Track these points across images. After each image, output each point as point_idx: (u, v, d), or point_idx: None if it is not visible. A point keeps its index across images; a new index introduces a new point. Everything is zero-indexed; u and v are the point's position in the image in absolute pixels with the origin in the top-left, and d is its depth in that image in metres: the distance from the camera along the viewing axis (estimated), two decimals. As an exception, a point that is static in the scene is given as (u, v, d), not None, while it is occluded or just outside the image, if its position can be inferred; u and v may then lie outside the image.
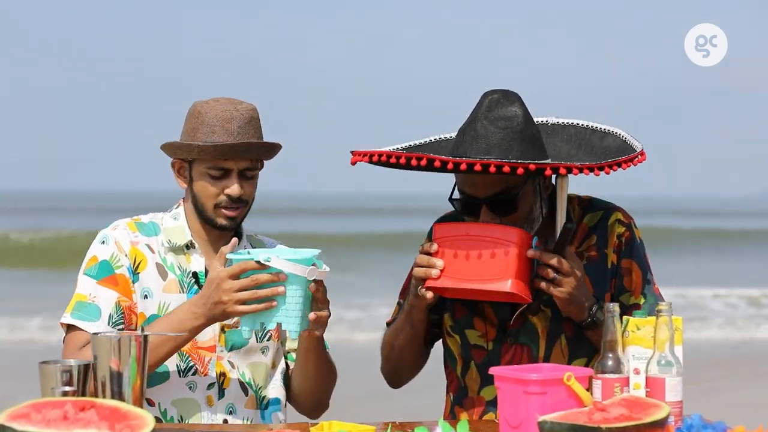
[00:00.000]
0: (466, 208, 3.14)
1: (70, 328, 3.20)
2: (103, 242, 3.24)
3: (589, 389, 2.71)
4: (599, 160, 3.06)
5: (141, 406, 2.75)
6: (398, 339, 3.29)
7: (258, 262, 2.94)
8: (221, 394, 3.26)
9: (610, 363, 2.74)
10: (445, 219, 3.40)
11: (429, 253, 3.04)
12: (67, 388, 2.68)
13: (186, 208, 3.33)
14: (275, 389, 3.36)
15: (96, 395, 2.74)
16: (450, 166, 2.93)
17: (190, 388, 3.23)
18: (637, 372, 2.81)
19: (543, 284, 3.01)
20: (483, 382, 3.23)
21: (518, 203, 3.10)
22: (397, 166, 3.05)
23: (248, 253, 2.99)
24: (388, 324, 3.40)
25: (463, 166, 2.92)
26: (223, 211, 3.23)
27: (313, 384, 3.35)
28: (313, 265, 2.97)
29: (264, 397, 3.33)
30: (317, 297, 3.01)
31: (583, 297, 3.05)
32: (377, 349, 3.42)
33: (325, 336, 3.24)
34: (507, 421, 2.69)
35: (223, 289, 2.97)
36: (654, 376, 2.74)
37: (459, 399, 3.29)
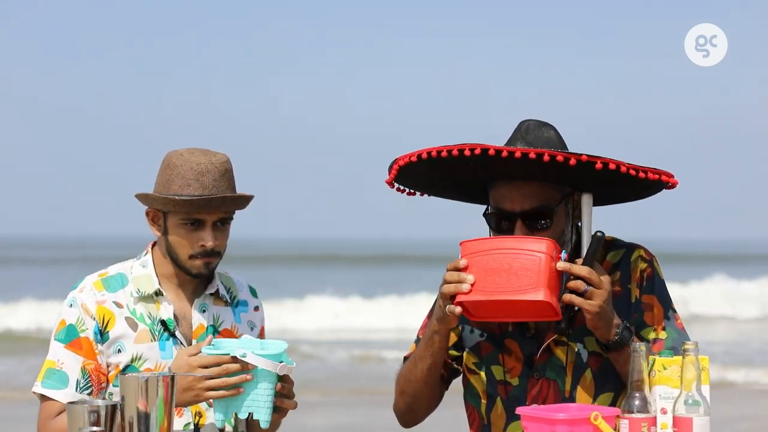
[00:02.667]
0: (501, 223, 3.18)
1: (42, 397, 3.31)
2: (71, 305, 3.34)
3: (616, 429, 2.71)
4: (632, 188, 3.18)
5: (168, 447, 2.75)
6: (416, 369, 3.29)
7: (234, 357, 3.06)
8: None
9: (637, 402, 2.74)
10: None
11: (458, 270, 3.04)
12: (95, 429, 2.68)
13: (156, 254, 3.41)
14: (243, 423, 3.40)
15: (124, 436, 2.75)
16: (504, 154, 2.99)
17: None
18: (664, 412, 2.80)
19: (574, 298, 3.00)
20: (509, 419, 3.22)
21: (552, 220, 3.15)
22: (441, 176, 3.17)
23: (243, 355, 3.07)
24: (406, 358, 3.40)
25: (517, 154, 2.98)
26: (198, 261, 3.31)
27: None
28: (281, 362, 3.09)
29: (239, 431, 3.38)
30: (284, 393, 3.13)
31: (612, 312, 3.05)
32: None
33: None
34: (535, 461, 2.68)
35: (194, 377, 3.08)
36: (681, 416, 2.74)
37: (483, 438, 3.29)
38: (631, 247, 3.30)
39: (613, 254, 3.29)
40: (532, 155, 2.98)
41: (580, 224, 3.25)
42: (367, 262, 44.25)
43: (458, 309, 3.03)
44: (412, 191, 3.36)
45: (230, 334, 3.39)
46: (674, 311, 3.27)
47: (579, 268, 2.99)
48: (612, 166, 3.02)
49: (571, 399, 3.17)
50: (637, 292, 3.24)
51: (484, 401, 3.28)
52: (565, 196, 3.19)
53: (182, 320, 3.35)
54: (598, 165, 3.01)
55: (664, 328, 3.22)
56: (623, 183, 3.13)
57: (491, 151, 3.00)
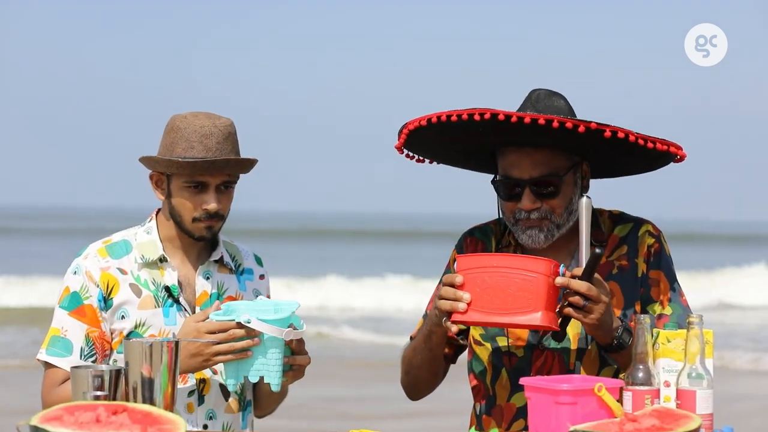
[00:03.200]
0: (509, 190, 3.18)
1: (47, 364, 3.31)
2: (75, 272, 3.33)
3: (619, 400, 2.71)
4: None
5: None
6: (416, 358, 3.31)
7: (238, 323, 3.06)
8: (201, 400, 3.34)
9: (640, 375, 2.74)
10: (473, 233, 3.41)
11: (453, 285, 3.00)
12: (99, 393, 2.68)
13: (160, 219, 3.41)
14: (249, 391, 3.46)
15: (127, 401, 2.74)
16: (514, 119, 2.99)
17: None
18: (667, 384, 2.80)
19: (573, 312, 2.97)
20: (513, 389, 3.24)
21: (561, 188, 3.16)
22: (450, 140, 3.17)
23: (248, 321, 3.07)
24: (412, 338, 3.40)
25: (527, 120, 2.99)
26: (201, 224, 3.30)
27: (268, 405, 3.52)
28: (291, 325, 3.09)
29: (246, 398, 3.43)
30: (295, 350, 3.12)
31: (610, 321, 3.03)
32: None
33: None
34: (537, 431, 2.69)
35: (202, 343, 3.08)
36: (685, 389, 2.73)
37: (487, 408, 3.30)
38: (639, 222, 3.32)
39: (621, 228, 3.30)
40: (541, 121, 2.99)
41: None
42: (365, 237, 44.06)
43: (455, 327, 3.01)
44: (420, 158, 3.37)
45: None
46: (679, 287, 3.29)
47: (578, 284, 2.94)
48: (621, 135, 3.02)
49: (576, 371, 3.18)
50: (644, 267, 3.25)
51: (489, 372, 3.29)
52: (573, 165, 3.19)
53: (186, 286, 3.35)
54: (607, 133, 3.01)
55: (669, 304, 3.23)
56: (632, 153, 3.13)
57: (501, 117, 3.01)
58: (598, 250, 2.93)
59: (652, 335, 2.82)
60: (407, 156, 3.34)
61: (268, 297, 3.53)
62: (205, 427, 3.32)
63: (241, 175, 3.35)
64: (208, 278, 3.37)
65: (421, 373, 3.34)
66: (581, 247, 3.05)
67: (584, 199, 3.07)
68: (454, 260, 3.41)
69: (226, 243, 3.49)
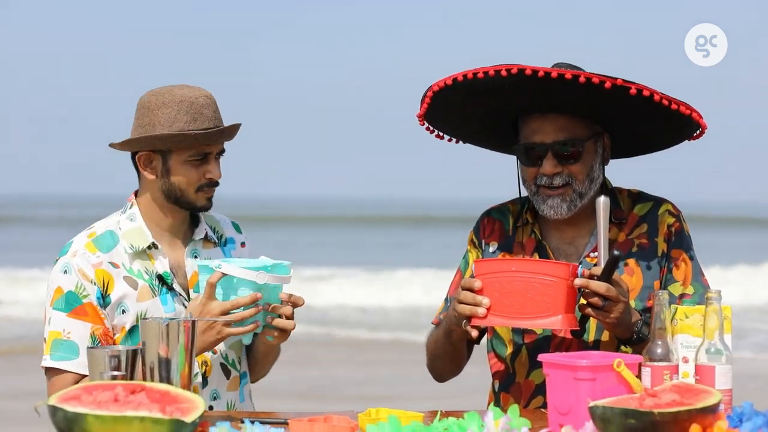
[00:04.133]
0: (532, 156, 3.18)
1: (52, 370, 3.20)
2: (66, 271, 3.21)
3: (638, 376, 2.69)
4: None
5: (189, 392, 2.75)
6: (438, 349, 3.31)
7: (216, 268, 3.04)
8: (205, 382, 3.31)
9: (659, 350, 2.73)
10: (490, 213, 3.40)
11: (472, 290, 2.98)
12: (116, 373, 2.67)
13: (143, 204, 3.32)
14: (244, 362, 3.44)
15: (144, 381, 2.74)
16: (541, 74, 2.99)
17: None
18: (685, 360, 2.79)
19: (592, 312, 2.97)
20: (532, 366, 3.24)
21: (582, 154, 3.16)
22: (474, 105, 3.17)
23: (218, 266, 3.05)
24: (435, 324, 3.39)
25: (554, 75, 2.98)
26: (204, 194, 3.26)
27: (263, 368, 3.50)
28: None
29: (241, 370, 3.41)
30: (285, 313, 3.08)
31: (629, 318, 3.03)
32: None
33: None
34: (556, 407, 2.68)
35: (211, 315, 3.04)
36: (703, 365, 2.73)
37: (506, 386, 3.30)
38: (659, 201, 3.31)
39: (641, 207, 3.30)
40: (568, 76, 2.98)
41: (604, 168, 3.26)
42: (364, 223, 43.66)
43: (475, 332, 3.01)
44: (440, 135, 3.35)
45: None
46: (700, 266, 3.29)
47: (596, 285, 2.93)
48: (646, 93, 3.01)
49: (595, 348, 3.17)
50: (665, 247, 3.25)
51: (509, 350, 3.29)
52: (594, 134, 3.20)
53: (177, 271, 3.30)
54: (633, 90, 3.01)
55: (691, 283, 3.24)
56: (654, 119, 3.12)
57: (528, 71, 2.99)
58: (616, 253, 2.93)
59: (670, 311, 2.81)
60: (427, 129, 3.33)
61: None
62: (211, 408, 3.29)
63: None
64: (195, 257, 3.33)
65: (444, 363, 3.35)
66: (599, 248, 3.03)
67: (602, 198, 3.05)
68: (471, 240, 3.40)
69: (205, 215, 3.44)
